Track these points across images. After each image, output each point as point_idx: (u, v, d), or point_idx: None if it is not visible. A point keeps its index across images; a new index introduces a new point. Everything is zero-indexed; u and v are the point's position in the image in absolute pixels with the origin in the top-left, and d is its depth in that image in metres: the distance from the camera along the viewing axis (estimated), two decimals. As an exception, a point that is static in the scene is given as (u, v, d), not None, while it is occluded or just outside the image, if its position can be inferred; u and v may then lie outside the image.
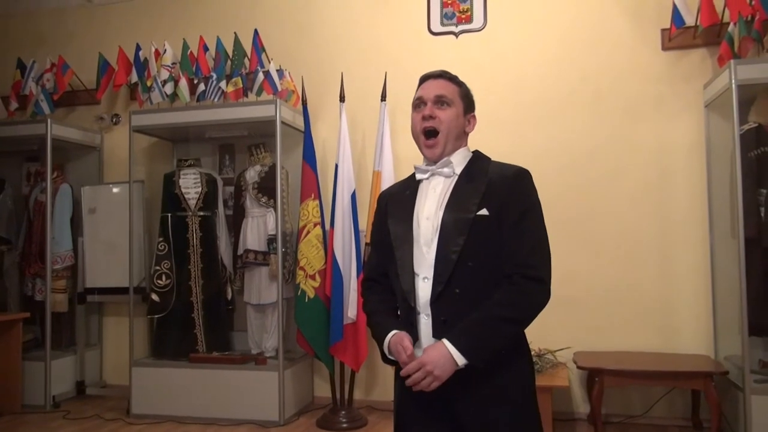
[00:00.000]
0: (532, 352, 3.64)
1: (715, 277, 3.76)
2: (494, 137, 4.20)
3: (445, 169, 1.65)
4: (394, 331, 1.59)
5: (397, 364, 1.61)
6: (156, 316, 4.35)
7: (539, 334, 3.86)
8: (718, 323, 3.75)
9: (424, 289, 1.56)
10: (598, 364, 3.55)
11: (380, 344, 1.63)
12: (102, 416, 4.20)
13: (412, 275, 1.58)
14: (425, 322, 1.56)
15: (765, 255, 3.41)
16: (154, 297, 4.32)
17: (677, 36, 3.89)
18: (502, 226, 1.56)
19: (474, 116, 1.76)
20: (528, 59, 4.20)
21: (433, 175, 1.67)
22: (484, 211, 1.56)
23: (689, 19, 3.79)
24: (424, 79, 1.73)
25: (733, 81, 3.32)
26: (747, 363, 3.25)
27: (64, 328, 4.76)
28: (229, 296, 4.46)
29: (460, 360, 1.48)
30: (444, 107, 1.66)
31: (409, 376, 1.52)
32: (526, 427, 1.59)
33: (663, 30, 3.96)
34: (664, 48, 3.97)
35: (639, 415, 3.86)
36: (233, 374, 4.07)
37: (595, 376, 3.57)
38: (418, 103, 1.69)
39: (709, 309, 3.79)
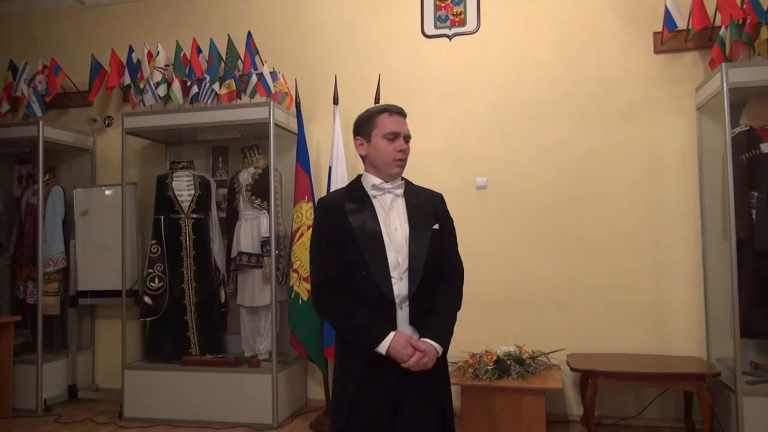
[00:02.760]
0: (526, 355, 3.69)
1: (708, 279, 3.78)
2: (487, 140, 4.23)
3: (399, 190, 2.05)
4: (393, 332, 1.89)
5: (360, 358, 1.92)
6: (149, 318, 4.33)
7: (533, 335, 3.92)
8: (711, 325, 3.77)
9: (400, 286, 1.92)
10: (591, 366, 3.56)
11: (371, 342, 1.89)
12: (94, 420, 4.18)
13: (388, 276, 1.91)
14: (402, 314, 1.93)
15: (756, 257, 3.42)
16: (147, 300, 4.30)
17: (669, 39, 3.91)
18: (442, 237, 2.03)
19: None
20: (521, 62, 4.21)
21: (386, 193, 2.03)
22: (436, 226, 2.02)
23: (681, 23, 3.81)
24: (393, 112, 2.05)
25: (725, 84, 3.34)
26: (739, 365, 3.26)
27: (55, 331, 4.72)
28: (223, 299, 4.44)
29: (440, 350, 1.94)
30: (408, 142, 2.07)
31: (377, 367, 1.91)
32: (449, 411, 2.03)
33: (655, 33, 3.98)
34: (657, 51, 4.00)
35: (632, 417, 3.87)
36: (226, 377, 4.05)
37: (588, 378, 3.58)
38: (393, 137, 2.01)
39: (701, 311, 3.81)
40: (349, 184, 2.14)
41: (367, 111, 2.09)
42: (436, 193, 2.15)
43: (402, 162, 2.03)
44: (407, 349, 1.86)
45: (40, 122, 4.54)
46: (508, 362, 3.59)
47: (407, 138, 2.05)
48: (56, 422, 4.16)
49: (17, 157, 5.07)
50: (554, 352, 3.77)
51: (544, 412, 3.43)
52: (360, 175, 2.11)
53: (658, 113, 3.97)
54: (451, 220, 2.12)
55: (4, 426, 4.11)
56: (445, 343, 1.95)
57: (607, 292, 3.98)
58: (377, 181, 2.04)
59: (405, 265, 1.93)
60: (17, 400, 4.39)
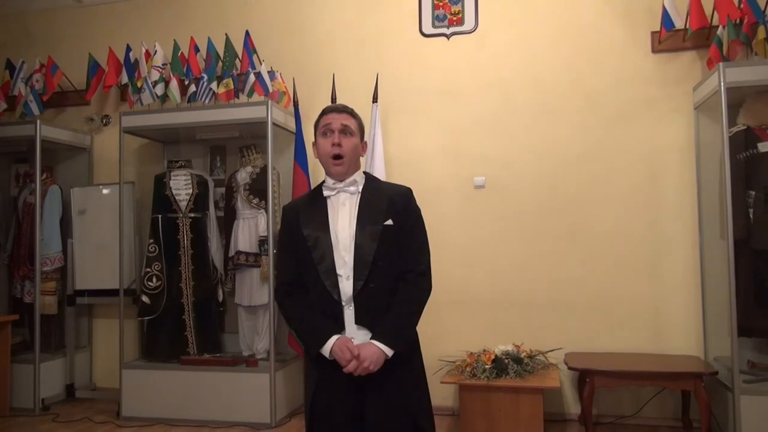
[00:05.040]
0: (523, 354, 3.70)
1: (705, 278, 3.79)
2: (484, 139, 4.23)
3: (352, 188, 2.02)
4: (335, 336, 1.90)
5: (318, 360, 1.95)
6: (147, 318, 4.33)
7: (531, 335, 3.93)
8: (708, 324, 3.77)
9: (346, 286, 1.92)
10: (589, 365, 3.57)
11: (317, 344, 1.92)
12: (92, 419, 4.18)
13: (335, 275, 1.92)
14: (348, 313, 1.93)
15: (754, 256, 3.43)
16: (145, 299, 4.30)
17: (667, 39, 3.91)
18: (400, 233, 1.97)
19: (366, 142, 2.15)
20: (519, 61, 4.21)
21: (339, 192, 2.01)
22: (389, 222, 1.96)
23: (679, 22, 3.82)
24: (328, 111, 2.05)
25: (722, 83, 3.34)
26: (736, 363, 3.27)
27: (53, 330, 4.71)
28: (220, 298, 4.44)
29: (389, 352, 1.89)
30: (348, 136, 2.01)
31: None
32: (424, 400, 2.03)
33: (653, 33, 3.98)
34: (654, 51, 4.00)
35: (630, 416, 3.88)
36: (224, 376, 4.05)
37: (586, 377, 3.59)
38: (325, 131, 2.01)
39: (698, 310, 3.82)
40: (313, 188, 2.16)
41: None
42: (402, 187, 2.09)
43: (339, 160, 1.99)
44: (345, 354, 1.87)
45: (38, 121, 4.53)
46: (506, 361, 3.59)
47: (343, 131, 2.00)
48: (54, 421, 4.15)
49: (14, 156, 5.06)
50: (552, 351, 3.77)
51: (541, 411, 3.44)
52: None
53: (656, 112, 3.98)
54: (413, 214, 2.04)
55: (2, 425, 4.11)
56: (394, 343, 1.90)
57: (604, 291, 3.98)
58: (330, 182, 2.05)
59: (351, 263, 1.92)
60: (15, 399, 4.39)
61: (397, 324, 1.95)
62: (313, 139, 2.10)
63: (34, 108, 4.69)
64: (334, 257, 1.93)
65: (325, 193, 2.04)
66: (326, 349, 1.90)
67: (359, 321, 1.93)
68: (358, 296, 1.92)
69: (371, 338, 1.91)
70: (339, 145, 1.99)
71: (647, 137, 3.99)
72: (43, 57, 4.89)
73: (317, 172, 4.37)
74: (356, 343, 1.90)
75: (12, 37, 5.20)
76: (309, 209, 2.04)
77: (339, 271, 1.93)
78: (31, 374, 4.39)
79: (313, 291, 1.97)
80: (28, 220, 4.64)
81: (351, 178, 2.03)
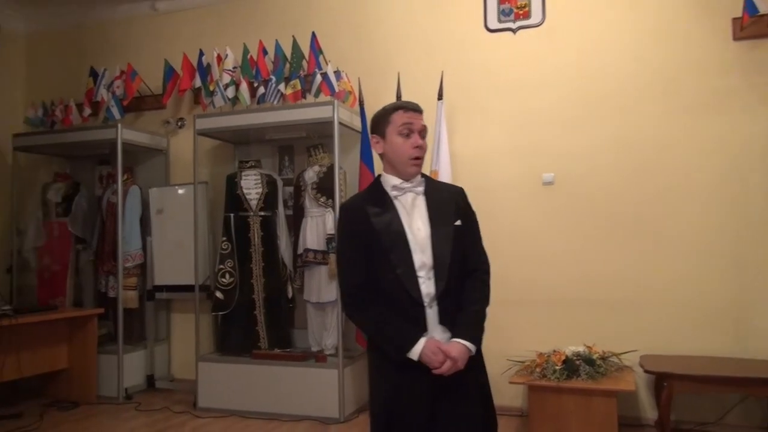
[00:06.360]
0: (595, 355, 3.59)
1: (794, 278, 3.56)
2: (553, 135, 4.14)
3: (419, 188, 2.01)
4: (424, 338, 1.88)
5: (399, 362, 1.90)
6: (220, 313, 4.50)
7: (603, 336, 3.81)
8: (798, 327, 3.55)
9: (428, 287, 1.90)
10: (666, 369, 3.42)
11: (403, 348, 1.88)
12: (170, 408, 4.38)
13: (415, 277, 1.90)
14: (431, 314, 1.91)
15: None
16: (219, 295, 4.46)
17: (750, 25, 3.69)
18: (467, 233, 2.01)
19: None
20: (589, 54, 4.08)
21: (406, 192, 2.00)
22: (458, 222, 1.98)
23: (763, 7, 3.60)
24: (408, 109, 2.00)
25: (814, 71, 3.13)
26: (830, 370, 3.06)
27: (135, 323, 4.98)
28: (290, 294, 4.54)
29: (473, 349, 1.90)
30: (425, 138, 2.02)
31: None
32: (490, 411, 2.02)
33: (734, 19, 3.76)
34: (736, 38, 3.78)
35: (711, 423, 3.70)
36: (294, 371, 4.15)
37: (663, 381, 3.45)
38: (408, 132, 1.97)
39: (787, 312, 3.59)
40: (368, 186, 2.10)
41: (382, 108, 2.04)
42: (456, 187, 2.13)
43: (418, 161, 1.99)
44: (438, 356, 1.85)
45: (119, 125, 4.78)
46: (577, 362, 3.50)
47: (423, 133, 2.00)
48: (136, 410, 4.38)
49: (98, 159, 5.35)
50: (626, 353, 3.64)
51: (615, 415, 3.33)
52: (379, 176, 2.07)
53: (739, 103, 3.76)
54: (473, 214, 2.08)
55: (90, 411, 4.38)
56: (476, 341, 1.93)
57: (683, 291, 3.81)
58: (397, 181, 2.00)
59: (430, 264, 1.91)
60: (101, 388, 4.65)
61: (477, 321, 1.96)
62: (374, 133, 2.03)
63: (116, 113, 4.94)
64: (413, 258, 1.91)
65: (393, 193, 2.00)
66: (415, 352, 1.86)
67: (443, 321, 1.92)
68: (441, 297, 1.91)
69: (454, 336, 1.90)
70: (421, 147, 1.98)
71: (728, 129, 3.78)
72: (123, 64, 5.14)
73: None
74: None
75: (95, 46, 5.50)
76: (377, 209, 1.97)
77: (419, 272, 1.91)
78: (115, 365, 4.64)
79: (389, 293, 1.92)
80: (111, 218, 4.90)
81: (417, 178, 2.02)
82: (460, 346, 1.88)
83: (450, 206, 2.00)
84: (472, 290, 1.98)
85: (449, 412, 1.91)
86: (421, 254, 1.92)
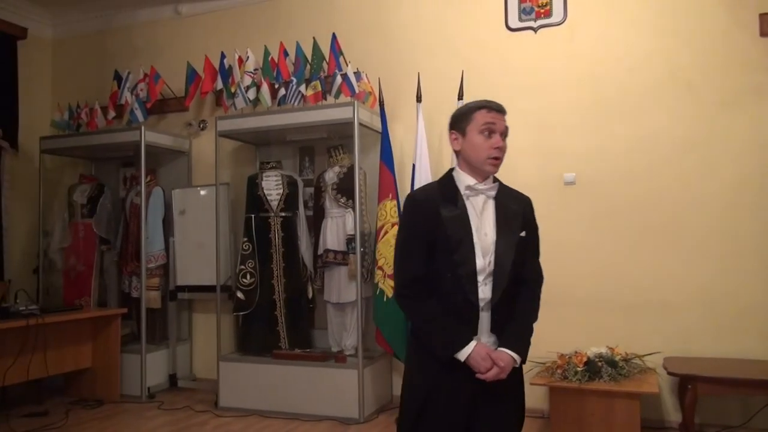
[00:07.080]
0: (618, 357, 3.55)
1: (824, 279, 3.48)
2: (574, 134, 4.10)
3: (492, 191, 1.98)
4: (474, 342, 1.88)
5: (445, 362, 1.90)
6: (241, 313, 4.53)
7: (626, 337, 3.76)
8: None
9: (485, 291, 1.90)
10: (690, 371, 3.37)
11: (452, 347, 1.87)
12: (192, 408, 4.42)
13: (476, 279, 1.89)
14: (484, 318, 1.91)
15: None
16: (240, 295, 4.49)
17: (778, 20, 3.62)
18: (528, 244, 2.01)
19: None
20: (612, 52, 4.04)
21: (479, 194, 1.97)
22: (523, 233, 1.98)
23: (792, 2, 3.53)
24: (491, 108, 1.97)
25: None
26: None
27: (157, 323, 5.03)
28: (310, 295, 4.56)
29: (519, 360, 1.92)
30: (505, 140, 1.99)
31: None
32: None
33: (762, 15, 3.69)
34: (763, 34, 3.71)
35: (737, 426, 3.63)
36: (314, 371, 4.17)
37: (687, 383, 3.39)
38: (489, 133, 1.94)
39: (817, 314, 3.51)
40: (440, 179, 2.04)
41: (465, 105, 2.03)
42: (525, 196, 2.10)
43: (497, 161, 1.94)
44: (487, 362, 1.86)
45: (142, 127, 4.84)
46: (599, 364, 3.46)
47: (505, 134, 1.98)
48: (159, 409, 4.43)
49: (122, 161, 5.44)
50: (649, 354, 3.60)
51: (638, 418, 3.29)
52: (452, 170, 2.03)
53: (766, 100, 3.69)
54: (536, 228, 2.08)
55: (114, 410, 4.44)
56: (523, 354, 1.94)
57: (707, 293, 3.75)
58: (471, 181, 1.97)
59: (491, 269, 1.90)
60: (124, 386, 4.71)
61: (525, 333, 1.98)
62: (454, 130, 2.01)
63: (139, 115, 5.01)
64: (476, 261, 1.89)
65: (465, 193, 1.96)
66: (464, 354, 1.86)
67: (494, 328, 1.93)
68: (496, 303, 1.91)
69: (502, 345, 1.92)
70: (501, 148, 1.95)
71: (755, 127, 3.71)
72: (147, 67, 5.21)
73: (402, 171, 4.40)
74: None
75: (119, 49, 5.59)
76: (449, 205, 1.93)
77: (478, 276, 1.90)
78: (138, 364, 4.70)
79: (446, 292, 1.90)
80: (135, 220, 4.97)
81: (490, 181, 2.00)
82: (508, 356, 1.89)
83: (518, 216, 2.00)
84: (526, 302, 2.01)
85: (486, 418, 1.92)
86: (483, 259, 1.90)
